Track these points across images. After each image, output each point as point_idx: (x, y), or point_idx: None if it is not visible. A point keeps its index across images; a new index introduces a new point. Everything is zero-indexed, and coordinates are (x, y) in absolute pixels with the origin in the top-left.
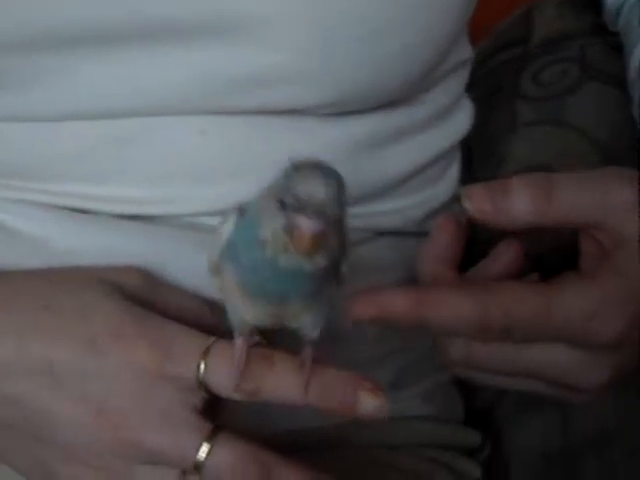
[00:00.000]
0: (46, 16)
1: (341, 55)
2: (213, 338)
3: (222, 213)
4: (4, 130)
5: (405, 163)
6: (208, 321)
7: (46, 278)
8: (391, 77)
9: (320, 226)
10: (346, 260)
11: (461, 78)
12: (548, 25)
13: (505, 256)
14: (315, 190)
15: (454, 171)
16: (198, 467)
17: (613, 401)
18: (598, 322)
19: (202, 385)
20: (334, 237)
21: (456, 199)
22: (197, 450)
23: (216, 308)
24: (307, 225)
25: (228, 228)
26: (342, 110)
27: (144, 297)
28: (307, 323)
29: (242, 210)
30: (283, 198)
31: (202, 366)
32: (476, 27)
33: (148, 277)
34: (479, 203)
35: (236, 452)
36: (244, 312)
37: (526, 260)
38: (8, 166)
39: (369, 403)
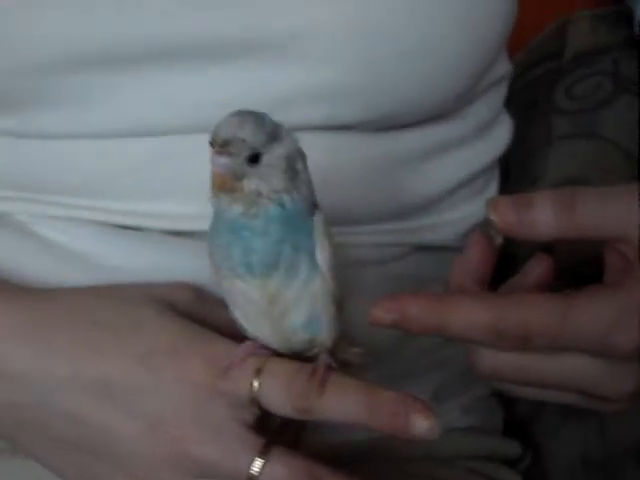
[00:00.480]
0: (95, 37)
1: (385, 71)
2: (266, 355)
3: None
4: (53, 148)
5: (447, 178)
6: None
7: (97, 295)
8: (434, 92)
9: (224, 163)
10: (319, 247)
11: (500, 93)
12: (581, 39)
13: (536, 271)
14: (223, 130)
15: (493, 187)
16: None
17: None
18: (619, 332)
19: (255, 402)
20: (256, 178)
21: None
22: (251, 465)
23: None
24: (216, 163)
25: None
26: (385, 125)
27: (195, 312)
28: (306, 326)
29: None
30: (210, 140)
31: (255, 384)
32: (510, 42)
33: (198, 292)
34: (503, 215)
35: (289, 467)
36: (247, 327)
37: (560, 274)
38: (57, 183)
39: (420, 424)
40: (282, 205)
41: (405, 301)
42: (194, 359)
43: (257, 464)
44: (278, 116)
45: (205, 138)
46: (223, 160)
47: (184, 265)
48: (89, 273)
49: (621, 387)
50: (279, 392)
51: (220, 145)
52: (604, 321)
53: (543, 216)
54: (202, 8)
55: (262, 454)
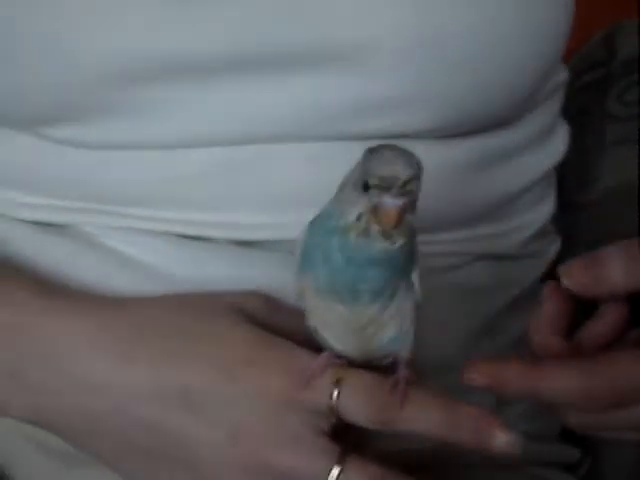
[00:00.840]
0: (160, 50)
1: (450, 79)
2: (343, 364)
3: None
4: (118, 158)
5: (507, 186)
6: None
7: (174, 304)
8: (496, 101)
9: (404, 202)
10: (416, 268)
11: (558, 100)
12: (631, 46)
13: (610, 316)
14: (398, 169)
15: (552, 192)
16: None
17: None
18: None
19: (334, 412)
20: (411, 220)
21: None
22: (328, 473)
23: None
24: (393, 202)
25: (299, 246)
26: (448, 134)
27: (268, 320)
28: (392, 341)
29: (309, 222)
30: (367, 180)
31: (335, 393)
32: None
33: (270, 300)
34: (577, 277)
35: (367, 475)
36: (333, 343)
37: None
38: (121, 194)
39: (502, 439)
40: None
41: (500, 367)
42: (273, 369)
43: (334, 472)
44: (341, 126)
45: (271, 148)
46: (402, 200)
47: (250, 275)
48: (156, 284)
49: None
50: (360, 404)
51: (400, 186)
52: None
53: (615, 272)
54: (267, 20)
55: (339, 462)
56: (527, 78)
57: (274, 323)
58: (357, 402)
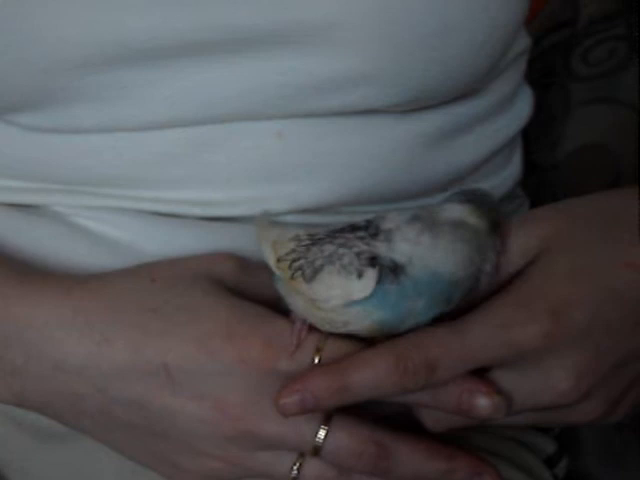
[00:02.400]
0: (128, 34)
1: (412, 55)
2: (325, 334)
3: (302, 211)
4: (88, 142)
5: (474, 153)
6: None
7: (145, 278)
8: (461, 73)
9: None
10: None
11: (521, 65)
12: (594, 5)
13: None
14: None
15: (518, 156)
16: (316, 450)
17: None
18: (515, 331)
19: None
20: None
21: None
22: (315, 434)
23: None
24: None
25: (369, 289)
26: (413, 107)
27: (241, 283)
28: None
29: (392, 267)
30: None
31: (315, 362)
32: None
33: (240, 262)
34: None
35: (353, 434)
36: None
37: None
38: (92, 176)
39: (485, 405)
40: None
41: (304, 377)
42: (252, 341)
43: (321, 433)
44: (311, 102)
45: (239, 126)
46: None
47: (222, 249)
48: (128, 261)
49: (556, 385)
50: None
51: None
52: (497, 324)
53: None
54: (229, 2)
55: (325, 423)
56: (490, 49)
57: (244, 283)
58: None
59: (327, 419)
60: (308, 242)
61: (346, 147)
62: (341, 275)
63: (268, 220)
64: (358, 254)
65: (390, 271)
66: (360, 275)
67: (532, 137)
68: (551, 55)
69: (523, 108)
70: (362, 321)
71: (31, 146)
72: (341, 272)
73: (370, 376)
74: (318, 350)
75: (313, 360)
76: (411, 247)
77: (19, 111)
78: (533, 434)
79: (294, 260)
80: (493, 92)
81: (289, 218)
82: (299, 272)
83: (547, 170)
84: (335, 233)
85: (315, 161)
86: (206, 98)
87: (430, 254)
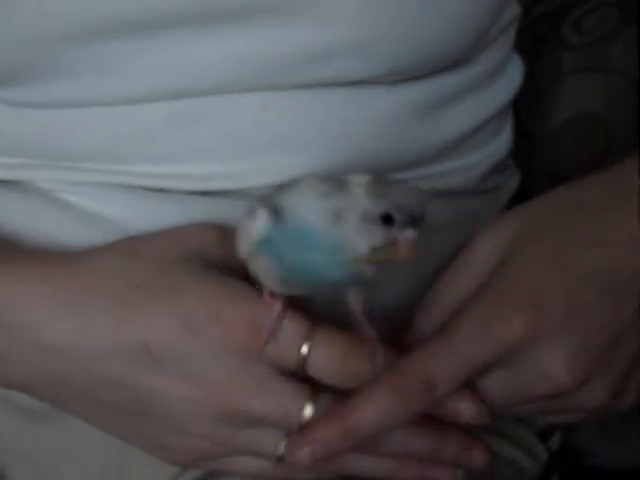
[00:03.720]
0: (109, 6)
1: (394, 25)
2: (314, 322)
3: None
4: (72, 116)
5: (463, 123)
6: None
7: (125, 254)
8: (446, 43)
9: (418, 234)
10: None
11: (511, 35)
12: None
13: None
14: (421, 207)
15: (508, 126)
16: (304, 427)
17: None
18: (500, 328)
19: (302, 368)
20: None
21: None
22: (301, 411)
23: None
24: (414, 235)
25: (260, 226)
26: (400, 78)
27: (219, 252)
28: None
29: (276, 209)
30: (390, 213)
31: (304, 351)
32: None
33: (222, 232)
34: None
35: (340, 409)
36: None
37: None
38: (77, 150)
39: (469, 411)
40: None
41: (310, 430)
42: (239, 325)
43: (308, 410)
44: (296, 74)
45: (223, 99)
46: (417, 233)
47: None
48: (113, 235)
49: (552, 374)
50: (331, 369)
51: (418, 219)
52: (481, 325)
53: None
54: None
55: (311, 399)
56: (476, 19)
57: (227, 255)
58: (327, 367)
59: (314, 396)
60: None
61: (333, 119)
62: (245, 220)
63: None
64: (259, 201)
65: (273, 212)
66: (253, 214)
67: (523, 106)
68: (542, 23)
69: (513, 78)
70: (268, 271)
71: (13, 121)
72: (245, 218)
73: (374, 414)
74: (306, 337)
75: (300, 350)
76: (295, 195)
77: (1, 86)
78: (514, 425)
79: None
80: (483, 62)
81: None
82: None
83: (538, 139)
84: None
85: (301, 133)
86: (189, 71)
87: (301, 202)
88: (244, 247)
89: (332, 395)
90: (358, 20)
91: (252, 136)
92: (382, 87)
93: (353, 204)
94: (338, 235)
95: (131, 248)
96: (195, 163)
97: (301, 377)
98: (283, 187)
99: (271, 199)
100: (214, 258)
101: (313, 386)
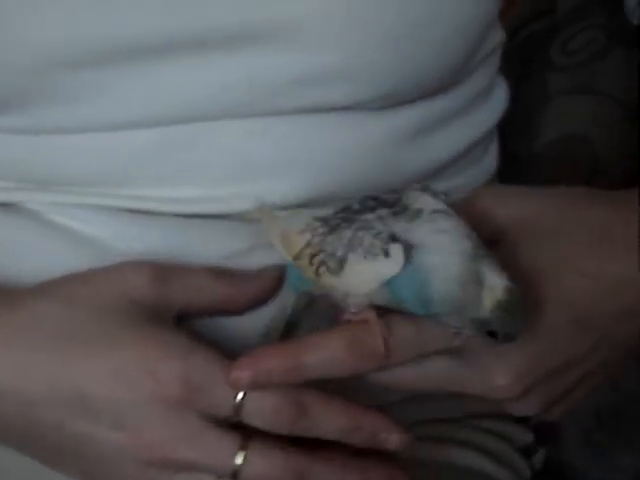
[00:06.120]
0: (101, 33)
1: (383, 51)
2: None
3: (279, 208)
4: (69, 141)
5: (449, 148)
6: (232, 295)
7: (66, 301)
8: (433, 69)
9: None
10: None
11: (495, 59)
12: None
13: None
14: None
15: (493, 148)
16: (235, 474)
17: None
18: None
19: (237, 413)
20: None
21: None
22: (233, 459)
23: (235, 277)
24: None
25: (395, 266)
26: (385, 104)
27: (161, 293)
28: None
29: (409, 250)
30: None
31: (239, 396)
32: None
33: (154, 269)
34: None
35: (270, 458)
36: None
37: None
38: (71, 174)
39: (394, 441)
40: None
41: (259, 354)
42: (172, 381)
43: (238, 460)
44: (282, 100)
45: (213, 125)
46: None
47: (194, 246)
48: (100, 258)
49: (495, 381)
50: (265, 418)
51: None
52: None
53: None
54: (209, 2)
55: (243, 447)
56: (461, 45)
57: (165, 295)
58: (262, 418)
59: (244, 444)
60: (323, 230)
61: (320, 144)
62: (368, 259)
63: (270, 211)
64: (377, 235)
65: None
66: (387, 253)
67: (511, 128)
68: (530, 45)
69: (499, 101)
70: (395, 299)
71: (7, 146)
72: (367, 256)
73: (323, 358)
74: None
75: (235, 400)
76: (428, 233)
77: None
78: (510, 425)
79: (313, 255)
80: (468, 86)
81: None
82: (323, 267)
83: (526, 161)
84: (349, 214)
85: (290, 159)
86: (181, 97)
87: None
88: (370, 286)
89: (263, 442)
90: (342, 47)
91: (239, 161)
92: (368, 113)
93: (494, 285)
94: (457, 299)
95: (67, 293)
96: (182, 187)
97: (233, 424)
98: (399, 212)
99: (389, 230)
100: (149, 301)
101: (245, 433)
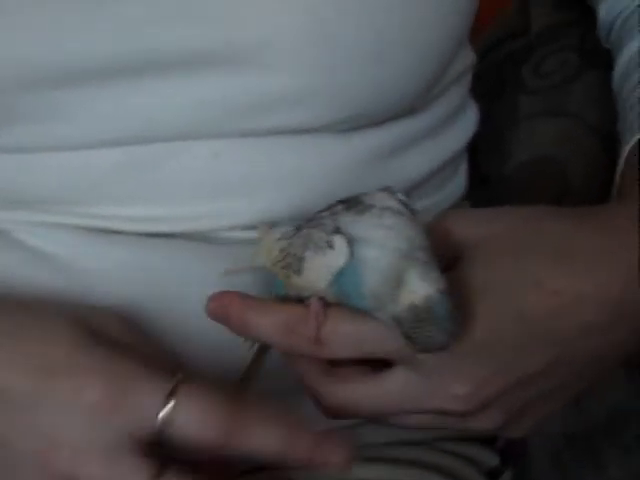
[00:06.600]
0: (56, 55)
1: (345, 75)
2: (178, 377)
3: (243, 228)
4: (34, 159)
5: (418, 169)
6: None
7: (11, 305)
8: (396, 93)
9: None
10: None
11: (465, 82)
12: (546, 15)
13: None
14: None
15: (462, 170)
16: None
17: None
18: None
19: (161, 430)
20: None
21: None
22: None
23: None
24: None
25: (340, 257)
26: (350, 126)
27: (117, 336)
28: None
29: (351, 244)
30: (413, 339)
31: (164, 412)
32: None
33: (123, 321)
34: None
35: None
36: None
37: None
38: (36, 192)
39: (336, 460)
40: None
41: (228, 298)
42: (95, 379)
43: None
44: (244, 123)
45: (177, 145)
46: None
47: (156, 264)
48: (65, 276)
49: (453, 391)
50: (194, 429)
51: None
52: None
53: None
54: (169, 24)
55: (155, 476)
56: (426, 69)
57: (124, 339)
58: (191, 429)
59: (158, 473)
60: (291, 234)
61: (285, 165)
62: (318, 254)
63: (269, 229)
64: (323, 229)
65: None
66: (331, 245)
67: (482, 149)
68: (502, 66)
69: (468, 123)
70: (344, 295)
71: None
72: (317, 251)
73: (261, 328)
74: (171, 394)
75: (159, 412)
76: (371, 228)
77: None
78: (475, 447)
79: (281, 259)
80: (436, 109)
81: (231, 235)
82: (290, 270)
83: (496, 182)
84: (313, 215)
85: (254, 179)
86: (144, 118)
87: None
88: (326, 281)
89: (177, 473)
90: (302, 70)
91: (204, 182)
92: (333, 135)
93: (414, 289)
94: (380, 293)
95: (18, 301)
96: (147, 206)
97: (151, 447)
98: (352, 206)
99: (340, 222)
100: (100, 334)
101: (160, 464)
